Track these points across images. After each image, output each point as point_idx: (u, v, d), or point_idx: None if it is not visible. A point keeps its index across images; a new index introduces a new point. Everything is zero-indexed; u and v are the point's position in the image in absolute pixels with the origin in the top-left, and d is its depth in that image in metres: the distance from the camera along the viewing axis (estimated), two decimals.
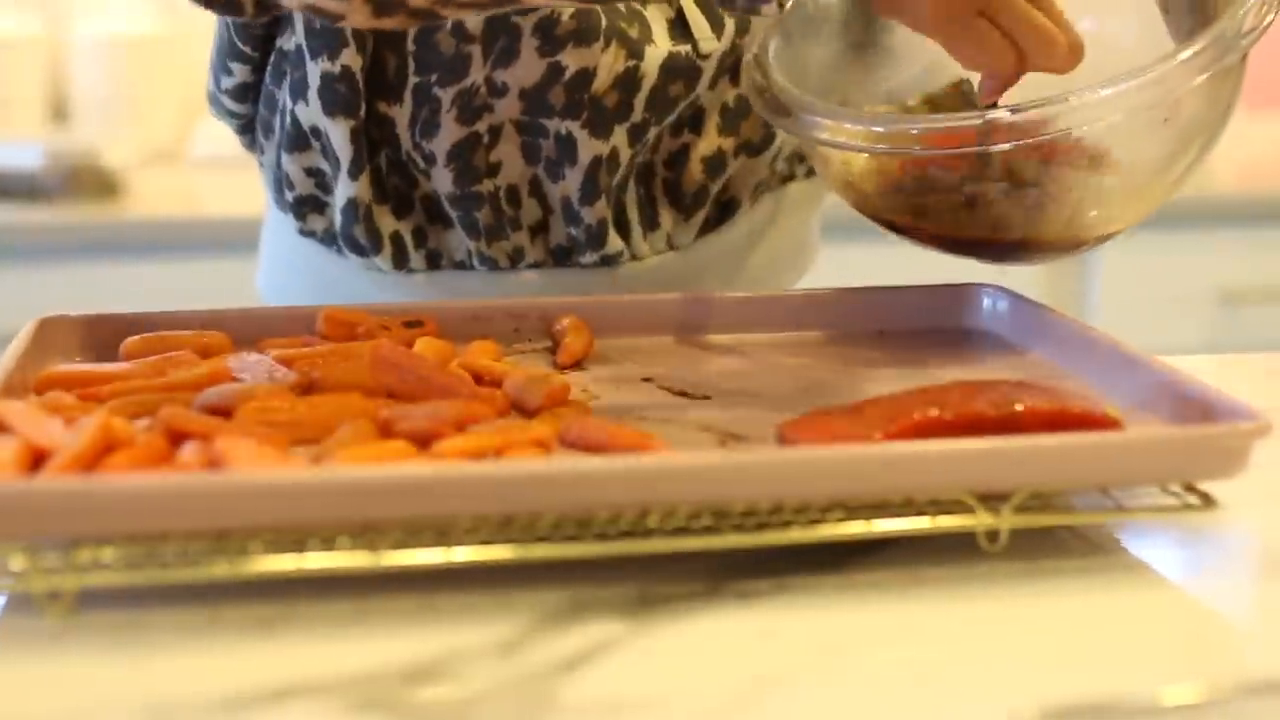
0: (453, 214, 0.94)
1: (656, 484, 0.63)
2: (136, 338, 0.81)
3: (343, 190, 0.94)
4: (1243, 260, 2.23)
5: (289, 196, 0.98)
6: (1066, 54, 0.79)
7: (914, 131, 0.79)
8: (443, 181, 0.93)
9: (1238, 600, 0.67)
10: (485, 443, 0.67)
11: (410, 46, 0.90)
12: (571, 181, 0.93)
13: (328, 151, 0.94)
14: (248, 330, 0.82)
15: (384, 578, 0.63)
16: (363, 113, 0.92)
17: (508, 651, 0.59)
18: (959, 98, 0.90)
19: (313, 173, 0.97)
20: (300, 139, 0.95)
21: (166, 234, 1.99)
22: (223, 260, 1.62)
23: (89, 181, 2.11)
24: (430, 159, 0.92)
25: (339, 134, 0.92)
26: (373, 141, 0.94)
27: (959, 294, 0.92)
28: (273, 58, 0.95)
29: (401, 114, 0.92)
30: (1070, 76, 0.81)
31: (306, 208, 0.98)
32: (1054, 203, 0.83)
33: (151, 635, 0.60)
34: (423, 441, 0.67)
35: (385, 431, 0.69)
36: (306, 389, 0.74)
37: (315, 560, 0.61)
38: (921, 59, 0.91)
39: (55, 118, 2.28)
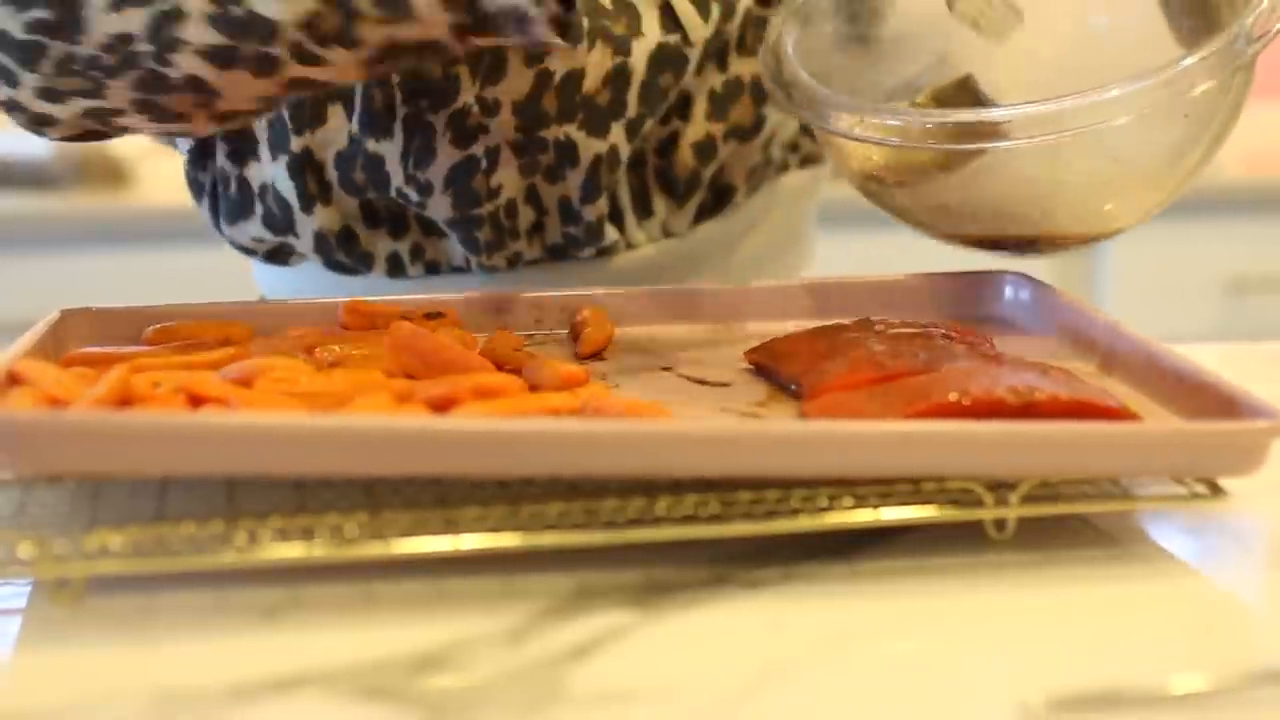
0: (451, 234, 0.94)
1: (669, 449, 0.63)
2: (157, 327, 0.81)
3: (305, 229, 0.93)
4: (1250, 248, 2.23)
5: (258, 256, 0.98)
6: None
7: (929, 126, 0.80)
8: (440, 209, 0.91)
9: (1247, 589, 0.67)
10: (501, 409, 0.67)
11: (396, 77, 0.88)
12: (572, 182, 0.92)
13: (275, 197, 0.93)
14: (269, 322, 0.82)
15: (392, 565, 0.63)
16: (293, 146, 0.91)
17: (515, 640, 0.59)
18: (966, 94, 0.90)
19: (261, 240, 0.96)
20: (243, 207, 0.94)
21: (176, 222, 1.99)
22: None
23: (98, 170, 2.11)
24: (426, 189, 0.91)
25: (279, 172, 0.92)
26: (355, 185, 0.92)
27: (981, 281, 0.91)
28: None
29: (392, 148, 0.90)
30: (1079, 75, 0.82)
31: (282, 254, 0.97)
32: (1066, 198, 0.84)
33: (160, 621, 0.60)
34: (440, 408, 0.67)
35: (404, 402, 0.68)
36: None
37: (323, 548, 0.61)
38: (927, 53, 0.91)
39: None
